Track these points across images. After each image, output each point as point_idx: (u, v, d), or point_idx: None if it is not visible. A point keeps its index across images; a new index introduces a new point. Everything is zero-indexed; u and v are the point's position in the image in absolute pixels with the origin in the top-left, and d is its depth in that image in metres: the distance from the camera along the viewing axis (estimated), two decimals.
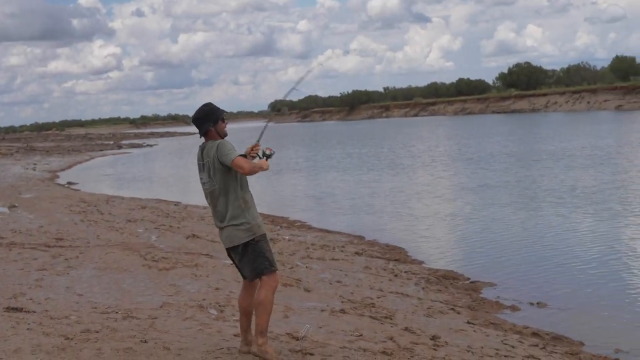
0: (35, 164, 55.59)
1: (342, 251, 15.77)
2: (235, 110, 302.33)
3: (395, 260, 15.12)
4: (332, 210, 24.01)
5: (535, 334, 9.82)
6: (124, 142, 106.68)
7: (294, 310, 9.77)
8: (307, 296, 11.23)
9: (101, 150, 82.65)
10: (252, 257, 6.95)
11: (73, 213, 21.45)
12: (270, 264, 7.00)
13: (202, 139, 7.22)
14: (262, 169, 6.96)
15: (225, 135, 7.19)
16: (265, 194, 30.75)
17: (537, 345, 9.19)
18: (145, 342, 7.47)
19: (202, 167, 7.11)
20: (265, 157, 7.14)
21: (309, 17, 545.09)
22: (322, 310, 10.08)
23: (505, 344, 9.05)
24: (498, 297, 12.07)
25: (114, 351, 7.11)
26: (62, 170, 50.56)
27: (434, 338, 8.87)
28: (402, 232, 18.97)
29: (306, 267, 13.68)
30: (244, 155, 7.03)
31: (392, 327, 9.39)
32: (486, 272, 13.81)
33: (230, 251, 7.12)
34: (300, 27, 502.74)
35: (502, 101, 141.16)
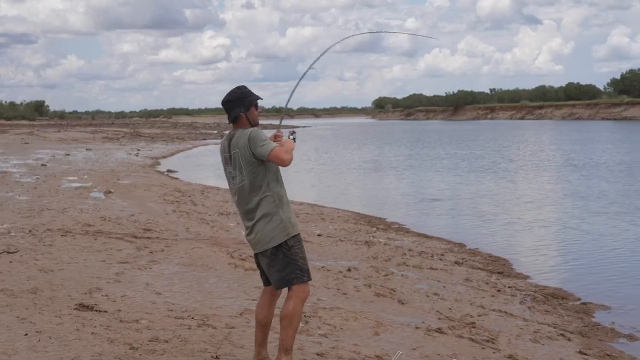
0: (139, 149, 56.13)
1: (440, 259, 14.69)
2: (339, 106, 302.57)
3: (499, 273, 13.93)
4: (432, 213, 22.85)
5: None
6: (227, 131, 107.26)
7: (385, 327, 8.84)
8: (401, 309, 10.29)
9: (204, 139, 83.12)
10: (283, 264, 6.06)
11: (166, 202, 21.06)
12: (302, 273, 6.10)
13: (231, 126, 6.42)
14: (292, 143, 6.24)
15: (257, 124, 6.35)
16: (363, 192, 29.98)
17: None
18: (217, 357, 6.68)
19: (228, 159, 6.30)
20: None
21: (417, 15, 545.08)
22: (417, 328, 9.12)
23: None
24: (613, 322, 10.74)
25: None
26: (164, 157, 50.75)
27: None
28: (506, 241, 17.76)
29: (402, 275, 12.71)
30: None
31: (494, 352, 8.38)
32: (599, 293, 12.49)
33: (260, 255, 6.22)
34: (408, 25, 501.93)
35: (612, 107, 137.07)
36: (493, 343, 8.81)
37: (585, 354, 8.94)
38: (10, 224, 15.45)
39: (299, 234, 6.22)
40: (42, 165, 35.50)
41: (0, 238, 13.47)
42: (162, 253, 12.71)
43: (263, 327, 6.40)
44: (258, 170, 6.10)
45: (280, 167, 6.23)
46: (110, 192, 23.39)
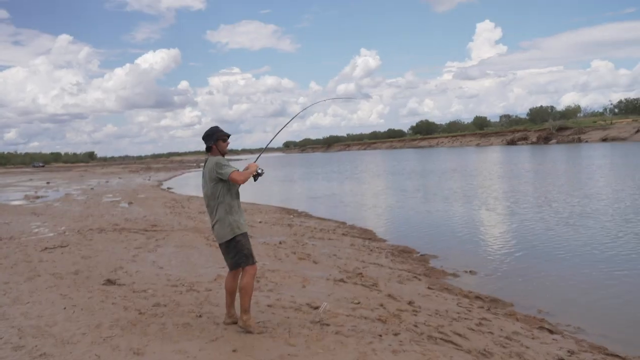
0: (149, 176, 53.17)
1: (334, 233, 13.40)
2: (264, 146, 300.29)
3: (369, 239, 12.72)
4: (324, 205, 21.44)
5: (478, 297, 7.58)
6: (201, 164, 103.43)
7: (309, 281, 7.62)
8: (315, 267, 9.08)
9: (188, 169, 79.74)
10: (234, 253, 5.00)
11: (166, 207, 19.23)
12: (247, 258, 4.98)
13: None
14: (251, 174, 5.04)
15: (225, 153, 5.23)
16: (281, 194, 28.54)
17: (482, 307, 7.05)
18: (200, 316, 5.35)
19: (202, 175, 5.18)
20: (257, 173, 5.14)
21: (304, 95, 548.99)
22: (327, 280, 7.93)
23: (461, 306, 6.94)
24: (442, 266, 9.70)
25: (174, 326, 5.00)
26: (165, 180, 47.85)
27: (410, 303, 6.75)
28: (369, 218, 16.60)
29: (312, 244, 11.45)
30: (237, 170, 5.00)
31: (378, 293, 7.25)
32: (430, 247, 11.41)
33: (220, 245, 5.08)
34: (300, 100, 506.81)
35: (412, 141, 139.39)
36: (376, 287, 7.68)
37: (432, 288, 7.93)
38: (66, 227, 13.56)
39: (245, 232, 5.06)
40: (91, 189, 32.77)
41: (58, 236, 11.67)
42: (164, 240, 11.16)
43: (231, 294, 5.18)
44: (217, 185, 4.99)
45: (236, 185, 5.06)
46: (132, 202, 21.36)
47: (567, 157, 44.27)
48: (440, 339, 5.22)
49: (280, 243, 11.30)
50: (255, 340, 4.65)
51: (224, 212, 4.96)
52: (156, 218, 15.42)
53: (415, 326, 5.59)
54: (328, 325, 5.26)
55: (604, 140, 75.61)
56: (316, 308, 5.91)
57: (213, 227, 5.04)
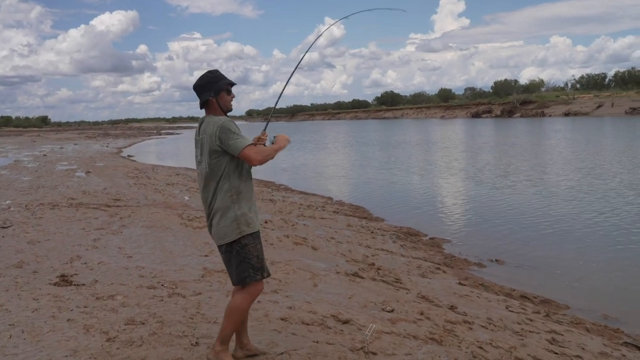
0: (108, 143, 50.13)
1: (324, 210, 11.81)
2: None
3: (364, 218, 11.19)
4: (302, 176, 19.87)
5: (524, 297, 6.21)
6: (162, 131, 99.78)
7: (318, 277, 6.08)
8: (316, 254, 7.54)
9: (148, 136, 76.17)
10: (237, 261, 3.29)
11: (129, 177, 17.24)
12: (255, 272, 3.30)
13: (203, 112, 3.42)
14: (279, 150, 3.30)
15: (230, 110, 3.44)
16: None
17: (538, 313, 5.64)
18: (197, 344, 3.72)
19: (197, 142, 3.40)
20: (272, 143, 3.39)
21: (267, 63, 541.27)
22: (338, 273, 6.45)
23: (512, 311, 5.56)
24: (460, 253, 8.28)
25: None
26: (125, 147, 45.00)
27: (453, 308, 5.34)
28: (355, 194, 15.05)
29: (304, 224, 9.85)
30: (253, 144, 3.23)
31: (407, 293, 5.81)
32: (435, 228, 10.02)
33: (219, 248, 3.36)
34: (263, 68, 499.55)
35: (377, 112, 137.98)
36: (400, 283, 6.24)
37: (464, 284, 6.55)
38: (12, 200, 11.58)
39: (256, 231, 3.35)
40: (44, 155, 30.11)
41: (0, 213, 9.74)
42: (129, 218, 9.40)
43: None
44: (221, 160, 3.24)
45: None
46: (89, 172, 19.21)
47: (537, 131, 43.87)
48: None
49: (266, 222, 9.70)
50: None
51: (228, 199, 3.26)
52: (118, 191, 13.53)
53: (481, 348, 4.18)
54: (375, 354, 3.79)
55: (567, 114, 76.22)
56: (345, 322, 4.43)
57: (210, 222, 3.36)
